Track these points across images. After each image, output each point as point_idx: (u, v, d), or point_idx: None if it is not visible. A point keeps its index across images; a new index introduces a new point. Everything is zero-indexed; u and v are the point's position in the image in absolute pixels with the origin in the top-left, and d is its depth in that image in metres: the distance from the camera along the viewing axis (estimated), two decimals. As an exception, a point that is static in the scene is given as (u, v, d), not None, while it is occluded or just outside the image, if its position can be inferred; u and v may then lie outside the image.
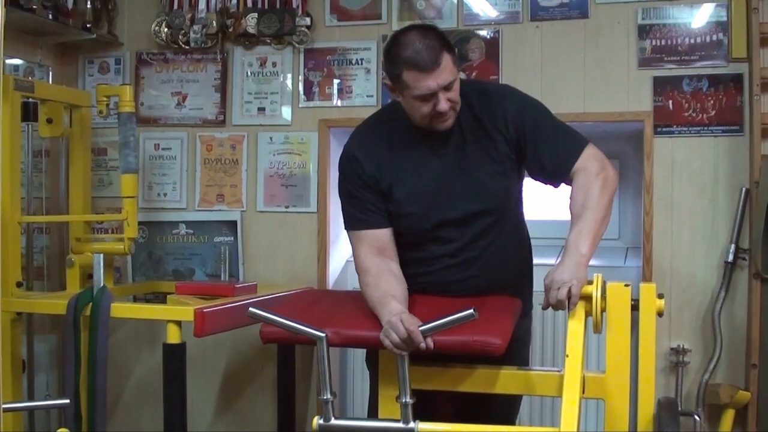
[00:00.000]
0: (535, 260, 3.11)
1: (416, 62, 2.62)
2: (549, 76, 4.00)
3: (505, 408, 3.01)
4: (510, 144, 2.80)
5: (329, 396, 2.50)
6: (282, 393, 4.16)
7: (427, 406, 2.64)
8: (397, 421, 2.43)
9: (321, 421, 2.49)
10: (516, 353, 2.61)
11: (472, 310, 2.38)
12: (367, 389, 3.13)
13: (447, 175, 2.82)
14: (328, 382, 2.49)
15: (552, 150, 2.74)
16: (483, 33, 4.11)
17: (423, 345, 2.46)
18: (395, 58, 2.68)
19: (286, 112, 4.38)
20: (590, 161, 2.74)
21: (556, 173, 2.80)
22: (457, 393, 2.71)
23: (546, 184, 2.88)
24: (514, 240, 2.98)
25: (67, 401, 3.11)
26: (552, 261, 3.27)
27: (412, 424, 2.39)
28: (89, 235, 4.23)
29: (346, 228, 2.94)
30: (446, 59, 2.65)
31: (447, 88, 2.67)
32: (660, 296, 2.47)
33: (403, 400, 2.43)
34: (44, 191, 4.43)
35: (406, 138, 2.84)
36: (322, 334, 2.49)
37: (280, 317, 2.54)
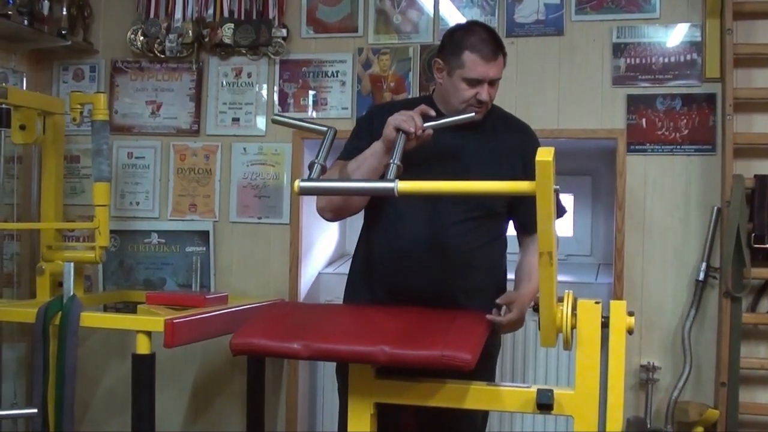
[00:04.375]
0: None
1: (480, 48, 2.83)
2: (524, 92, 4.02)
3: (471, 427, 2.99)
4: (514, 168, 2.85)
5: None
6: (251, 405, 4.14)
7: (391, 424, 2.65)
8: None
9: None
10: (481, 368, 2.60)
11: (473, 114, 2.79)
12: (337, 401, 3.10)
13: (455, 153, 2.89)
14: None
15: (531, 209, 2.67)
16: (459, 48, 4.11)
17: (423, 132, 2.68)
18: (460, 39, 2.87)
19: (261, 123, 4.38)
20: None
21: (523, 226, 3.01)
22: (422, 411, 2.70)
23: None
24: (492, 247, 2.98)
25: (35, 410, 3.10)
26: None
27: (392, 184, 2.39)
28: (60, 243, 4.20)
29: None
30: (502, 58, 2.89)
31: (492, 83, 2.88)
32: (630, 313, 2.47)
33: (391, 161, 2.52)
34: (16, 198, 4.39)
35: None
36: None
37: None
